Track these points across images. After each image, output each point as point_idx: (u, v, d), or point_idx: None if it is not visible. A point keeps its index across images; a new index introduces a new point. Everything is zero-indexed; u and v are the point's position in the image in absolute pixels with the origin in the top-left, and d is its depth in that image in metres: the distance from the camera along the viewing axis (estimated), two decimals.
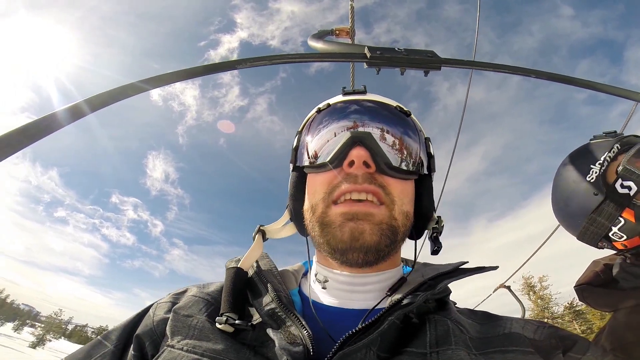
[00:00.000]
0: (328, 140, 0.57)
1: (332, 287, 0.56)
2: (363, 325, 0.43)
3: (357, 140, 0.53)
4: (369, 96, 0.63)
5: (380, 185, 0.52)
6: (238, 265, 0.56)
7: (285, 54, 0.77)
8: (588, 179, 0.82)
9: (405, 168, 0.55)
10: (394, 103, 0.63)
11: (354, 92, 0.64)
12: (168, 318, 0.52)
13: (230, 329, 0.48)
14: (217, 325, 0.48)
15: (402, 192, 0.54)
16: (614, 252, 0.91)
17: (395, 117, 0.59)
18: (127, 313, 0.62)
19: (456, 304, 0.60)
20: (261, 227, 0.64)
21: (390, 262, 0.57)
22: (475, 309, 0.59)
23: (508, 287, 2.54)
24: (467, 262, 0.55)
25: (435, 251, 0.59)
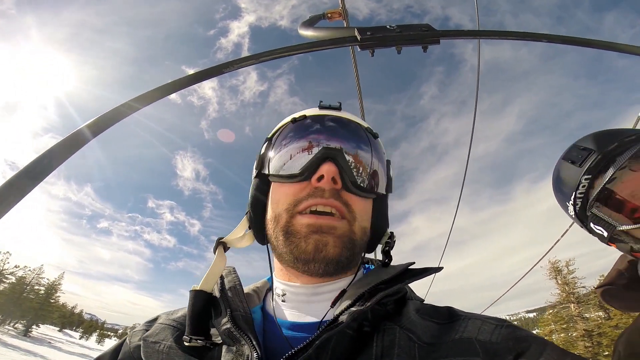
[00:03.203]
0: (298, 152, 0.58)
1: (290, 299, 0.58)
2: (304, 343, 0.44)
3: (328, 156, 0.55)
4: (343, 113, 0.65)
5: (345, 202, 0.55)
6: (198, 288, 0.57)
7: (273, 50, 0.73)
8: (570, 213, 0.82)
9: (368, 188, 0.58)
10: (364, 124, 0.66)
11: (329, 107, 0.67)
12: (141, 345, 0.58)
13: (197, 344, 0.51)
14: (185, 343, 0.52)
15: (363, 210, 0.58)
16: None
17: (365, 138, 0.62)
18: None
19: (424, 300, 0.59)
20: (221, 240, 0.63)
21: (346, 271, 0.59)
22: (441, 305, 0.57)
23: None
24: (414, 262, 0.57)
25: (385, 264, 0.61)
